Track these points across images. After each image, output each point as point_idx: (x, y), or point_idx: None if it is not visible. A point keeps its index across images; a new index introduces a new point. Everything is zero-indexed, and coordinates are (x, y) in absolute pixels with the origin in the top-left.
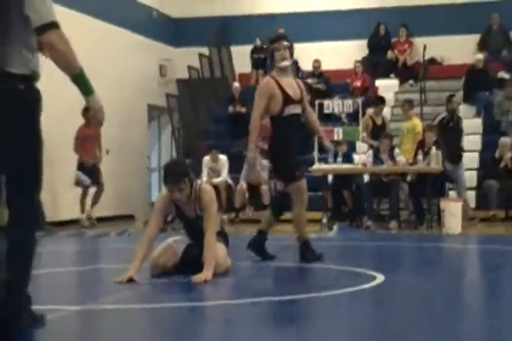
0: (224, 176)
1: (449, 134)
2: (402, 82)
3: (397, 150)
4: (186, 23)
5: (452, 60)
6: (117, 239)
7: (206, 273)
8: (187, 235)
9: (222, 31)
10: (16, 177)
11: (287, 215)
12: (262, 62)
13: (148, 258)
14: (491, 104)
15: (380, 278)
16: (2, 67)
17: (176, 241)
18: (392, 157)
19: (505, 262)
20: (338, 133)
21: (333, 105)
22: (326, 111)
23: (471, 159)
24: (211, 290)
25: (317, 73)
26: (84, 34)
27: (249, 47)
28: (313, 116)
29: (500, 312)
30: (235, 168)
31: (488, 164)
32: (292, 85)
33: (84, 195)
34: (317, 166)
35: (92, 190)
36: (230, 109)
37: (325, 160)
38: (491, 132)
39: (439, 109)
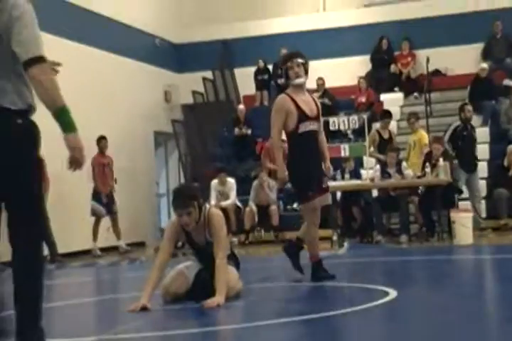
0: (232, 199)
1: (463, 143)
2: (406, 95)
3: (404, 164)
4: (188, 48)
5: (456, 71)
6: (129, 268)
7: (219, 298)
8: (197, 261)
9: (225, 54)
10: (15, 212)
11: (294, 234)
12: (266, 83)
13: (160, 285)
14: (497, 112)
15: (392, 293)
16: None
17: (187, 266)
18: (399, 171)
19: None
20: (345, 149)
21: (339, 122)
22: (331, 128)
23: (480, 168)
24: (224, 315)
25: (321, 91)
26: (88, 64)
27: (252, 69)
28: (322, 135)
29: None
30: (242, 190)
31: (497, 173)
32: (308, 102)
33: (97, 224)
34: None
35: (105, 221)
36: (236, 131)
37: (333, 177)
38: (499, 140)
39: (445, 121)
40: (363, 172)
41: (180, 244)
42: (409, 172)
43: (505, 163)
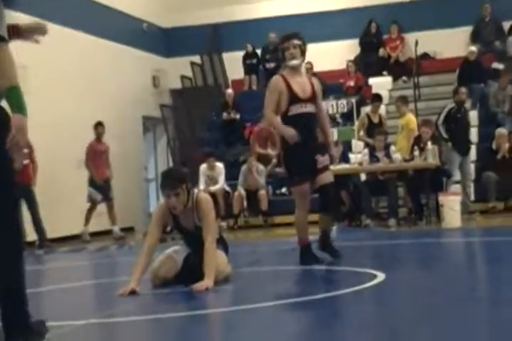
0: (221, 183)
1: (456, 126)
2: (395, 78)
3: (393, 148)
4: (176, 33)
5: (445, 54)
6: (118, 252)
7: (207, 282)
8: (186, 245)
9: (213, 38)
10: None
11: (283, 219)
12: (255, 67)
13: (149, 269)
14: (486, 95)
15: (380, 276)
16: None
17: (176, 251)
18: (388, 155)
19: (507, 254)
20: (333, 133)
21: (328, 106)
22: None
23: None
24: (213, 298)
25: (309, 75)
26: (77, 49)
27: (241, 53)
28: (323, 119)
29: (507, 304)
30: (231, 175)
31: (486, 156)
32: (302, 84)
33: (91, 210)
34: None
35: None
36: (224, 115)
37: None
38: (487, 124)
39: (434, 104)
40: (351, 156)
41: (168, 228)
42: (397, 156)
43: (494, 147)
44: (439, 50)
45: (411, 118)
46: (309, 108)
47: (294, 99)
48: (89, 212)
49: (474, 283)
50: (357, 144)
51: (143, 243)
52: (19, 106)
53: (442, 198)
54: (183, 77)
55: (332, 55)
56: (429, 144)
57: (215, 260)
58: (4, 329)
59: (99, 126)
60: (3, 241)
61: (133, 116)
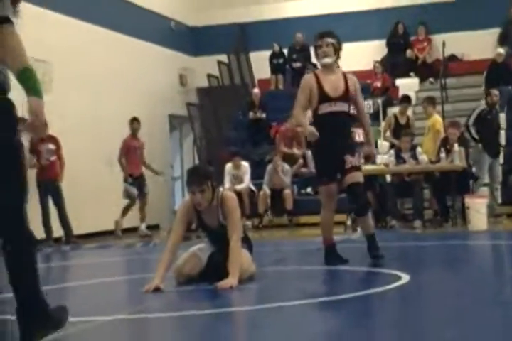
0: (246, 182)
1: (487, 128)
2: (422, 80)
3: (419, 149)
4: (204, 32)
5: (472, 56)
6: (143, 250)
7: (232, 280)
8: (210, 243)
9: (240, 38)
10: None
11: (309, 219)
12: (281, 67)
13: (173, 266)
14: None
15: (405, 277)
16: None
17: (201, 249)
18: (414, 156)
19: None
20: (359, 134)
21: None
22: None
23: None
24: (238, 296)
25: None
26: (104, 47)
27: (267, 53)
28: (362, 116)
29: None
30: (257, 174)
31: None
32: (335, 82)
33: (129, 206)
34: None
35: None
36: (251, 115)
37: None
38: None
39: (461, 106)
40: (377, 156)
41: (193, 226)
42: (423, 157)
43: None
44: (467, 51)
45: (437, 120)
46: (340, 106)
47: (323, 97)
48: (127, 207)
49: (500, 286)
50: (383, 145)
51: (167, 240)
52: (33, 88)
53: (468, 200)
54: (209, 76)
55: (359, 56)
56: (456, 146)
57: (240, 258)
58: (22, 320)
59: (134, 121)
60: (14, 232)
61: (160, 115)
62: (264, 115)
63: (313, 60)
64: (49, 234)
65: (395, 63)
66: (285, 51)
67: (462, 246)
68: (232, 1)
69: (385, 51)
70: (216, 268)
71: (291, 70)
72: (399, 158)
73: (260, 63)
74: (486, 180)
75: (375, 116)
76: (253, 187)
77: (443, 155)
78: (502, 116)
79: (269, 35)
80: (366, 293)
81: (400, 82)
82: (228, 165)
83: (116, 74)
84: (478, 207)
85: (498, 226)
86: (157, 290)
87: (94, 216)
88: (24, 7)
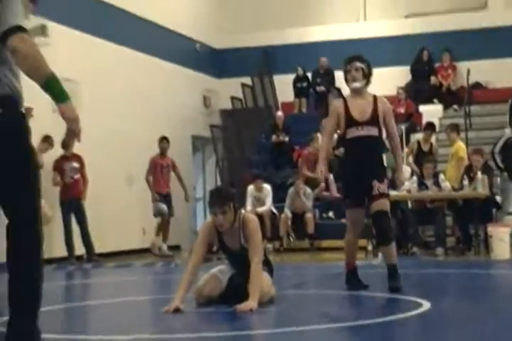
0: (268, 205)
1: None
2: (446, 107)
3: (442, 176)
4: (228, 54)
5: (497, 84)
6: (164, 270)
7: (252, 302)
8: (231, 265)
9: (264, 61)
10: (11, 208)
11: (330, 243)
12: (305, 90)
13: (193, 287)
14: None
15: (426, 305)
16: None
17: (221, 270)
18: (437, 183)
19: None
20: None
21: None
22: None
23: None
24: (257, 319)
25: None
26: (130, 67)
27: (291, 76)
28: (392, 140)
29: None
30: (278, 197)
31: None
32: (363, 106)
33: (164, 224)
34: None
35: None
36: (274, 138)
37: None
38: None
39: (485, 134)
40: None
41: (214, 248)
42: (446, 184)
43: None
44: (491, 79)
45: (461, 147)
46: (367, 131)
47: (350, 122)
48: (162, 225)
49: None
50: (405, 170)
51: (188, 261)
52: (62, 95)
53: (491, 229)
54: (233, 98)
55: (383, 81)
56: (479, 174)
57: (261, 281)
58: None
59: (163, 140)
60: (23, 249)
61: (183, 136)
62: (287, 138)
63: (337, 84)
64: (71, 252)
65: (419, 89)
66: (309, 75)
67: (484, 275)
68: (257, 24)
69: (408, 77)
70: (236, 290)
71: (315, 94)
72: (421, 185)
73: (284, 86)
74: (510, 208)
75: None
76: (275, 210)
77: (466, 182)
78: None
79: (293, 58)
80: (387, 320)
81: (423, 108)
82: (250, 188)
83: (141, 94)
84: (501, 236)
85: None
86: (177, 311)
87: (116, 235)
88: (54, 27)
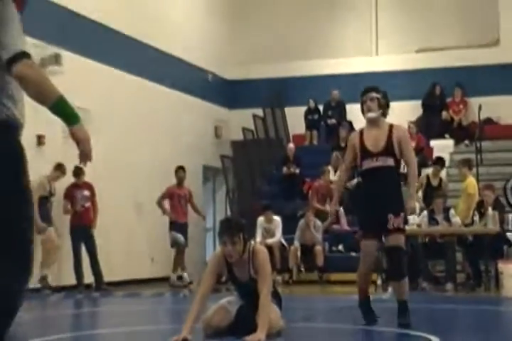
0: (278, 237)
1: None
2: (457, 142)
3: (452, 211)
4: (240, 85)
5: (508, 120)
6: (172, 300)
7: (260, 334)
8: (239, 297)
9: (276, 93)
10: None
11: (340, 276)
12: (316, 123)
13: (202, 318)
14: None
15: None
16: None
17: (230, 301)
18: (447, 218)
19: None
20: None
21: None
22: None
23: None
24: None
25: None
26: (141, 96)
27: (303, 109)
28: (408, 168)
29: None
30: (288, 229)
31: None
32: (377, 137)
33: (181, 254)
34: None
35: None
36: (284, 169)
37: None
38: None
39: (496, 170)
40: (409, 217)
41: (223, 279)
42: (456, 219)
43: None
44: (503, 115)
45: (471, 183)
46: (382, 161)
47: (365, 153)
48: (179, 256)
49: None
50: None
51: (197, 291)
52: (73, 118)
53: (502, 265)
54: (244, 129)
55: (394, 116)
56: (490, 209)
57: (269, 313)
58: None
59: (180, 170)
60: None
61: (194, 165)
62: (297, 170)
63: (349, 117)
64: (80, 280)
65: (430, 124)
66: (320, 107)
67: (494, 312)
68: (269, 56)
69: (419, 111)
70: (245, 321)
71: (326, 126)
72: (432, 220)
73: (295, 118)
74: None
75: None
76: (284, 242)
77: (476, 218)
78: None
79: (305, 91)
80: None
81: (434, 143)
82: (260, 219)
83: (152, 123)
84: (511, 273)
85: None
86: None
87: (124, 264)
88: (68, 56)
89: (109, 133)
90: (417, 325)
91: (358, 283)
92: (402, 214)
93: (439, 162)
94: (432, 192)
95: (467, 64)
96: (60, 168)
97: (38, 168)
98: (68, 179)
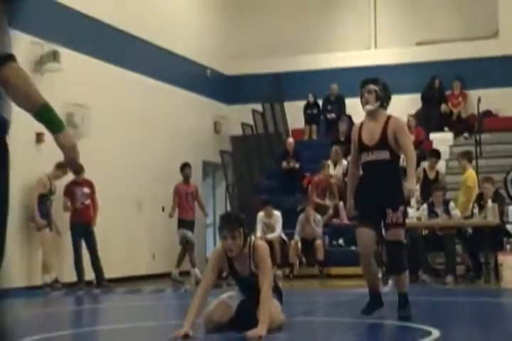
0: (278, 231)
1: None
2: (456, 135)
3: (452, 204)
4: (239, 80)
5: (508, 112)
6: (173, 296)
7: (261, 329)
8: (240, 291)
9: (275, 87)
10: None
11: (340, 270)
12: (315, 117)
13: (203, 313)
14: None
15: (435, 333)
16: None
17: (231, 296)
18: (447, 210)
19: None
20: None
21: None
22: None
23: None
24: None
25: None
26: (140, 93)
27: (302, 103)
28: (405, 156)
29: None
30: (288, 224)
31: None
32: (372, 130)
33: (191, 251)
34: None
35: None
36: (284, 164)
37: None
38: None
39: (495, 162)
40: (409, 210)
41: (224, 274)
42: (456, 212)
43: None
44: (502, 107)
45: (470, 175)
46: (377, 155)
47: (361, 147)
48: (188, 254)
49: None
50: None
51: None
52: (57, 125)
53: (502, 257)
54: (243, 124)
55: (393, 109)
56: (490, 202)
57: (270, 308)
58: None
59: (186, 166)
60: None
61: (193, 161)
62: (297, 165)
63: (348, 111)
64: (81, 276)
65: (430, 117)
66: (320, 102)
67: (494, 303)
68: (268, 51)
69: (418, 105)
70: (246, 316)
71: (325, 121)
72: (431, 212)
73: (294, 113)
74: None
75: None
76: (284, 237)
77: (476, 210)
78: None
79: (304, 85)
80: None
81: (434, 136)
82: (260, 214)
83: (151, 119)
84: (511, 264)
85: None
86: (186, 337)
87: (125, 260)
88: (67, 54)
89: (107, 130)
90: (418, 318)
91: (364, 275)
92: (401, 209)
93: (434, 154)
94: (429, 186)
95: (466, 56)
96: (62, 167)
97: (37, 166)
98: (68, 176)
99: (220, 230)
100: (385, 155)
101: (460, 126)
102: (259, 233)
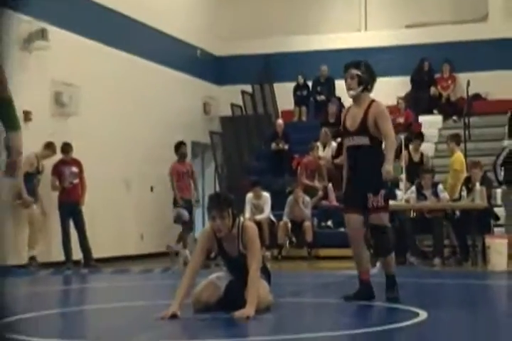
0: (267, 213)
1: None
2: (445, 118)
3: (440, 187)
4: (229, 61)
5: (497, 96)
6: (161, 276)
7: (249, 310)
8: (229, 272)
9: (265, 69)
10: None
11: (328, 252)
12: (305, 99)
13: (191, 293)
14: None
15: (423, 314)
16: None
17: (219, 277)
18: (435, 193)
19: None
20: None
21: None
22: None
23: None
24: (254, 326)
25: None
26: (129, 73)
27: (292, 85)
28: (385, 141)
29: None
30: (277, 205)
31: None
32: (354, 115)
33: (186, 232)
34: None
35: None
36: (273, 145)
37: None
38: None
39: (483, 145)
40: (398, 192)
41: (213, 254)
42: (444, 195)
43: None
44: (491, 91)
45: (458, 158)
46: (358, 140)
47: (344, 131)
48: (185, 233)
49: None
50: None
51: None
52: (14, 123)
53: (489, 240)
54: (233, 105)
55: (382, 91)
56: (478, 185)
57: (258, 288)
58: None
59: (181, 145)
60: None
61: None
62: (286, 146)
63: (338, 92)
64: (68, 256)
65: (419, 100)
66: (309, 83)
67: (481, 286)
68: (258, 32)
69: (408, 87)
70: (234, 297)
71: (315, 102)
72: (420, 195)
73: (284, 94)
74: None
75: (396, 152)
76: (273, 218)
77: (464, 193)
78: None
79: (294, 67)
80: (383, 329)
81: (423, 118)
82: (249, 195)
83: (140, 99)
84: (498, 247)
85: None
86: (174, 317)
87: (113, 240)
88: (54, 31)
89: (96, 109)
90: (405, 299)
91: (355, 261)
92: (381, 192)
93: (419, 136)
94: (414, 168)
95: (456, 39)
96: (50, 147)
97: (24, 145)
98: (56, 155)
99: (209, 210)
100: (364, 140)
101: (449, 109)
102: (247, 214)
